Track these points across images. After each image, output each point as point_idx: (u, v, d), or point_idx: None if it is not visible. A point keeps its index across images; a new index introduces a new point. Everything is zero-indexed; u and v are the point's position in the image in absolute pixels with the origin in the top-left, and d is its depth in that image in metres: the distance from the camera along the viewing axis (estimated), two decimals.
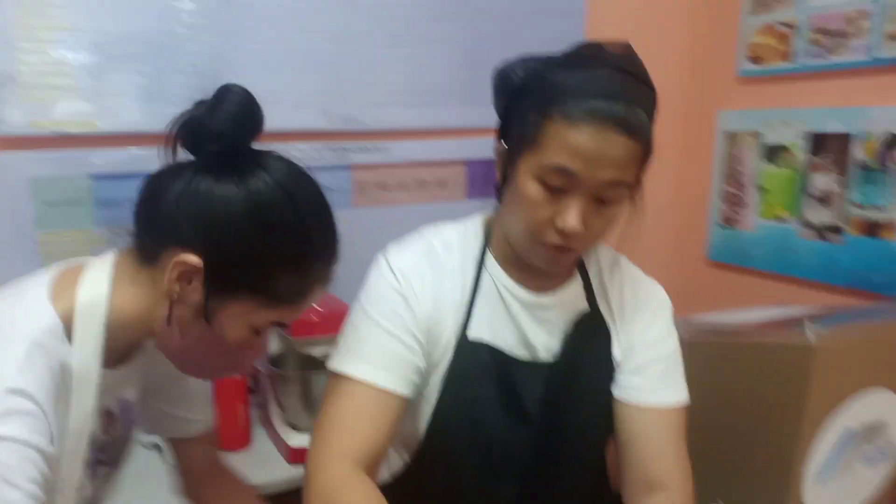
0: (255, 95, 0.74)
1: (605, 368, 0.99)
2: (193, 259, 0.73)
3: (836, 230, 1.88)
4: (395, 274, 0.92)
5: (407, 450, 0.99)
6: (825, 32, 1.84)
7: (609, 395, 0.98)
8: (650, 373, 0.98)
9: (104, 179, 1.49)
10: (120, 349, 0.79)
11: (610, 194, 0.84)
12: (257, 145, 0.77)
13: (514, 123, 0.89)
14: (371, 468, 0.86)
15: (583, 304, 0.99)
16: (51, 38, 1.39)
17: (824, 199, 1.90)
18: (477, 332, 0.93)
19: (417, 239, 0.99)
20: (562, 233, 0.85)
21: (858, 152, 1.80)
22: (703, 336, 1.44)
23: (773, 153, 1.99)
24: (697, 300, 2.07)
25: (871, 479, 1.57)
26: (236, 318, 0.76)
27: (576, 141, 0.81)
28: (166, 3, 1.50)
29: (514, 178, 0.88)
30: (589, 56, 0.85)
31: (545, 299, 0.96)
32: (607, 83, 0.82)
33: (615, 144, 0.81)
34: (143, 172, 0.78)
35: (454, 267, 0.95)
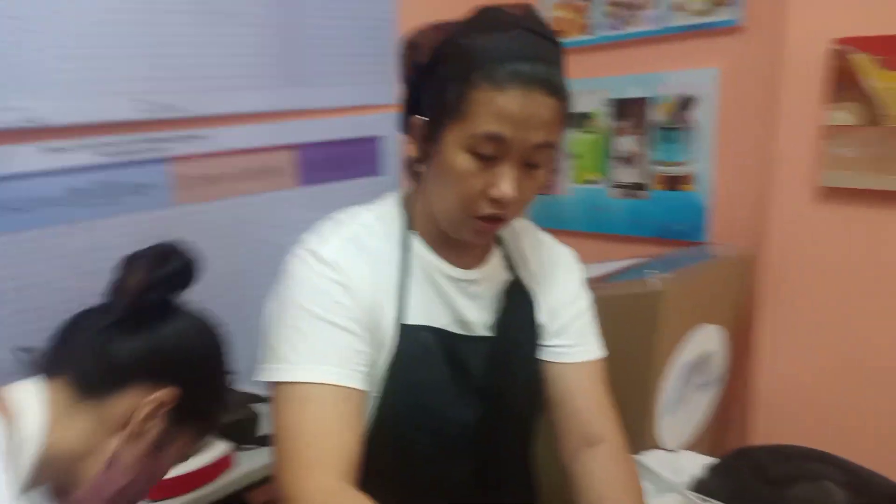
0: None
1: (536, 336, 1.00)
2: (169, 394, 0.78)
3: (641, 187, 2.07)
4: (326, 264, 0.87)
5: None
6: (619, 4, 2.00)
7: (542, 360, 1.00)
8: (573, 330, 1.01)
9: None
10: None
11: (538, 157, 0.84)
12: None
13: (431, 95, 0.86)
14: (350, 475, 0.81)
15: (505, 275, 0.99)
16: None
17: (629, 160, 2.08)
18: (414, 316, 0.91)
19: (335, 226, 0.93)
20: (496, 202, 0.84)
21: (656, 115, 1.99)
22: None
23: (581, 121, 2.14)
24: None
25: (702, 404, 1.77)
26: (180, 448, 0.84)
27: (505, 105, 0.79)
28: None
29: (438, 153, 0.86)
30: (498, 19, 0.83)
31: (474, 274, 0.95)
32: (526, 45, 0.82)
33: (542, 106, 0.81)
34: None
35: (381, 251, 0.91)
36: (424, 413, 0.90)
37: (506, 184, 0.82)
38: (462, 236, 0.90)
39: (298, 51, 1.78)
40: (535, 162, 0.84)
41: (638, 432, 1.55)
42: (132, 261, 0.81)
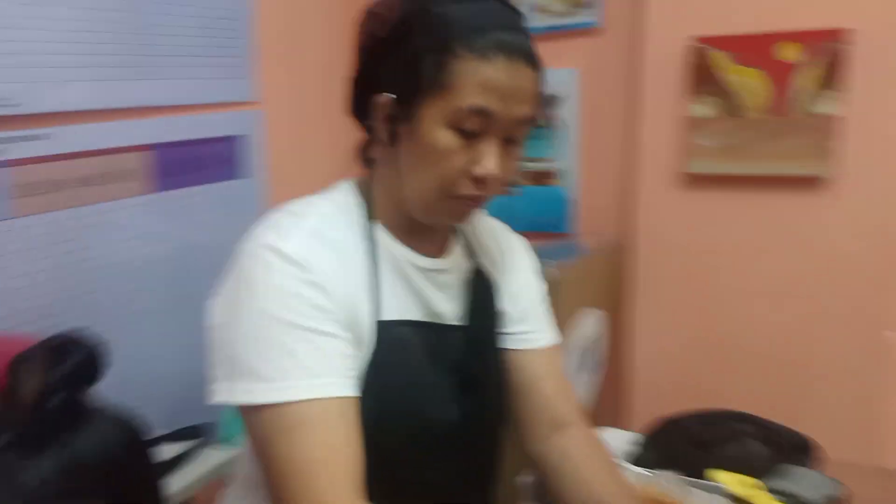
0: None
1: (501, 324, 0.97)
2: None
3: (513, 183, 2.10)
4: (294, 263, 0.76)
5: None
6: None
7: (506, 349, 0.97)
8: (534, 316, 0.99)
9: None
10: None
11: (519, 133, 0.80)
12: None
13: (400, 69, 0.79)
14: (361, 487, 0.74)
15: (467, 263, 0.95)
16: None
17: None
18: (389, 311, 0.83)
19: (293, 218, 0.82)
20: (479, 181, 0.79)
21: None
22: None
23: None
24: None
25: (592, 383, 1.82)
26: None
27: (492, 77, 0.75)
28: None
29: (413, 131, 0.79)
30: None
31: (441, 263, 0.90)
32: (503, 14, 0.78)
33: (526, 77, 0.77)
34: None
35: (346, 243, 0.82)
36: (408, 414, 0.83)
37: (490, 161, 0.77)
38: (438, 220, 0.85)
39: (146, 40, 1.58)
40: (515, 138, 0.80)
41: None
42: (20, 363, 0.67)
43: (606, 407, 1.97)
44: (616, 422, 1.87)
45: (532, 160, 2.06)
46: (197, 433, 1.48)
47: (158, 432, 1.33)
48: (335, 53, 1.86)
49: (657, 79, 1.79)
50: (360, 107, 0.86)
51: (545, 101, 0.85)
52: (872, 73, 1.58)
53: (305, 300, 0.75)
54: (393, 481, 0.81)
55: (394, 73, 0.79)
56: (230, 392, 0.75)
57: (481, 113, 0.75)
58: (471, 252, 0.95)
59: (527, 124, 0.79)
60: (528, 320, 0.99)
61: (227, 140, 1.82)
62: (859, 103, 1.59)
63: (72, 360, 0.68)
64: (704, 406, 1.38)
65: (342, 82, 0.88)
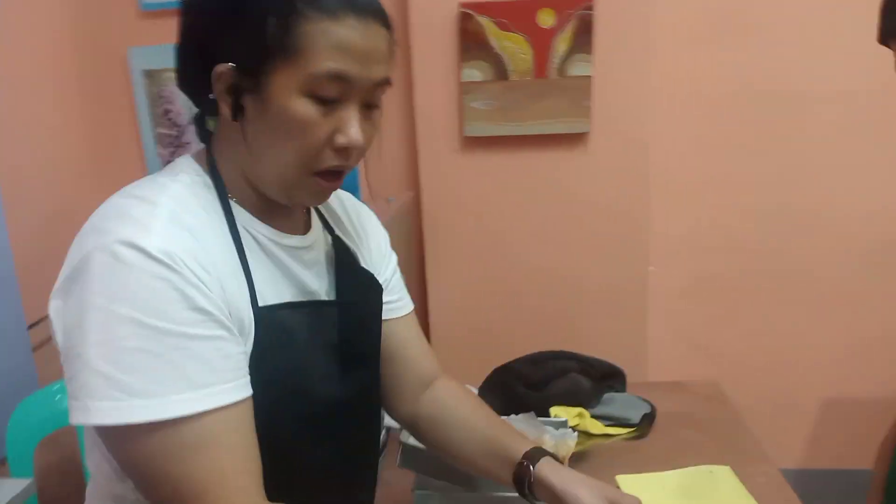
0: None
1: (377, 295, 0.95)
2: None
3: None
4: (160, 261, 0.67)
5: None
6: None
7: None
8: (395, 285, 0.98)
9: None
10: None
11: (376, 97, 0.76)
12: None
13: (241, 35, 0.71)
14: (262, 484, 0.71)
15: (327, 237, 0.90)
16: None
17: None
18: (263, 296, 0.76)
19: (145, 207, 0.71)
20: (342, 151, 0.74)
21: None
22: None
23: None
24: None
25: None
26: None
27: (346, 38, 0.70)
28: None
29: (263, 103, 0.71)
30: None
31: (306, 239, 0.84)
32: None
33: (379, 37, 0.73)
34: None
35: (206, 228, 0.73)
36: (297, 398, 0.78)
37: (354, 128, 0.73)
38: (299, 199, 0.79)
39: None
40: (374, 102, 0.76)
41: None
42: None
43: None
44: None
45: None
46: None
47: None
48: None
49: (429, 45, 1.82)
50: (193, 78, 0.77)
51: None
52: (611, 36, 1.77)
53: (180, 304, 0.67)
54: (284, 465, 0.77)
55: (233, 40, 0.71)
56: (99, 411, 0.64)
57: (339, 78, 0.70)
58: (326, 224, 0.91)
59: (384, 87, 0.76)
60: (392, 290, 0.97)
61: None
62: (603, 64, 1.79)
63: None
64: (498, 350, 1.47)
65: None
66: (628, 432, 1.30)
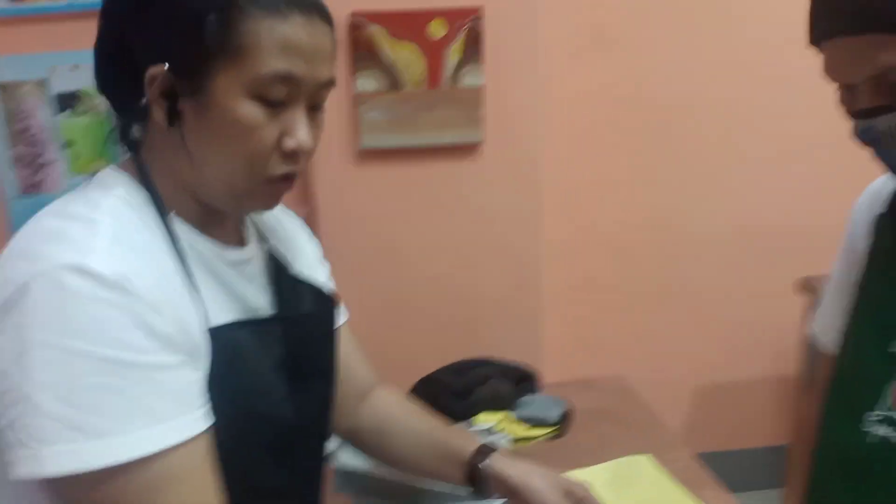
0: None
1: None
2: None
3: None
4: (115, 287, 0.61)
5: None
6: None
7: None
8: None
9: None
10: None
11: (321, 98, 0.73)
12: None
13: (176, 35, 0.66)
14: None
15: (262, 248, 0.86)
16: None
17: None
18: (214, 316, 0.71)
19: (85, 227, 0.64)
20: (291, 156, 0.71)
21: None
22: None
23: (71, 102, 1.79)
24: None
25: None
26: None
27: (292, 36, 0.67)
28: None
29: (206, 107, 0.67)
30: None
31: (245, 253, 0.81)
32: None
33: (324, 35, 0.70)
34: None
35: (152, 246, 0.68)
36: (248, 423, 0.73)
37: (302, 131, 0.70)
38: (249, 207, 0.76)
39: None
40: (318, 104, 0.74)
41: None
42: None
43: None
44: None
45: None
46: None
47: None
48: None
49: None
50: (117, 83, 0.72)
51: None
52: (500, 47, 1.82)
53: (138, 331, 0.62)
54: (238, 491, 0.73)
55: (167, 39, 0.67)
56: (54, 457, 0.57)
57: (286, 79, 0.68)
58: (260, 235, 0.87)
59: (329, 87, 0.74)
60: None
61: None
62: (494, 75, 1.83)
63: None
64: (402, 363, 1.46)
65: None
66: (549, 432, 1.32)
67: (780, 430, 2.31)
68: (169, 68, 0.66)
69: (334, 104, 1.80)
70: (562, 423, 1.33)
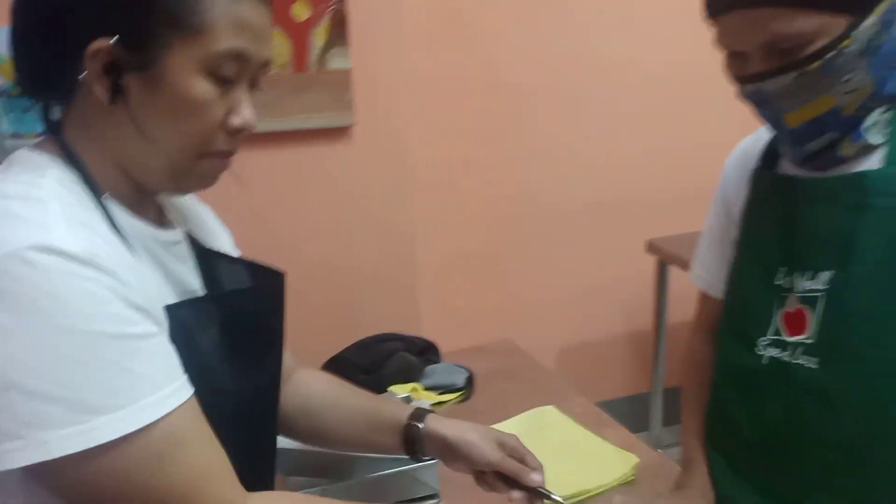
0: None
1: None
2: None
3: None
4: (87, 262, 0.61)
5: None
6: None
7: None
8: None
9: None
10: None
11: (261, 77, 0.74)
12: None
13: (128, 8, 0.65)
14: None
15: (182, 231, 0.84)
16: None
17: None
18: (158, 294, 0.71)
19: (35, 206, 0.63)
20: (235, 133, 0.72)
21: None
22: None
23: None
24: None
25: None
26: None
27: (246, 15, 0.68)
28: None
29: (157, 82, 0.67)
30: None
31: (178, 234, 0.80)
32: None
33: (268, 16, 0.72)
34: None
35: (96, 227, 0.66)
36: (202, 398, 0.73)
37: (248, 110, 0.72)
38: (186, 186, 0.76)
39: None
40: (258, 83, 0.75)
41: None
42: None
43: None
44: None
45: (25, 136, 1.71)
46: None
47: None
48: None
49: None
50: (41, 61, 0.69)
51: None
52: (364, 30, 1.84)
53: (117, 304, 0.62)
54: None
55: (119, 13, 0.65)
56: (61, 442, 0.57)
57: (239, 57, 0.69)
58: (178, 218, 0.86)
59: (268, 68, 0.75)
60: None
61: None
62: (360, 58, 1.85)
63: None
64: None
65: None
66: (457, 396, 1.39)
67: (640, 381, 2.55)
68: (117, 42, 0.64)
69: None
70: (467, 388, 1.40)
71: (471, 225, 2.22)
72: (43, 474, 0.59)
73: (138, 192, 0.73)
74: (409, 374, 1.36)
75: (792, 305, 0.88)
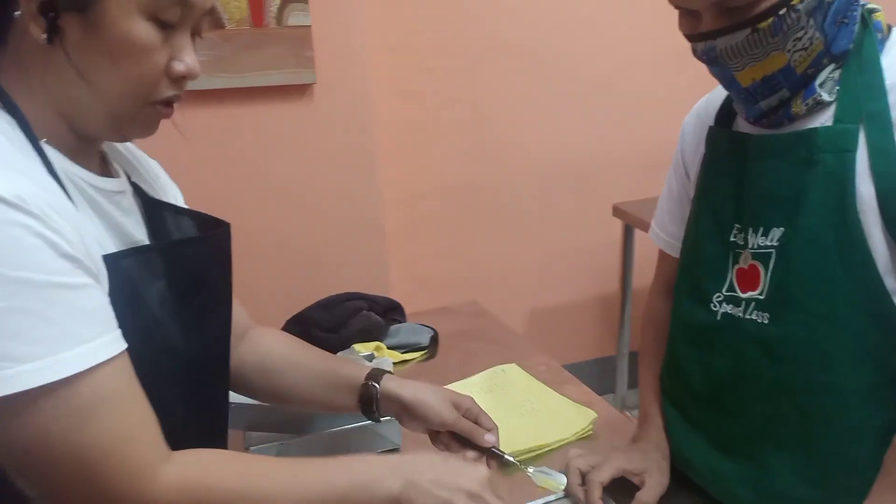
0: None
1: None
2: None
3: None
4: (16, 206, 0.59)
5: None
6: None
7: None
8: None
9: None
10: None
11: (203, 26, 0.73)
12: None
13: None
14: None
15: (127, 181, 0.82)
16: None
17: None
18: (100, 244, 0.70)
19: None
20: (178, 80, 0.71)
21: None
22: None
23: None
24: None
25: None
26: None
27: None
28: None
29: (96, 24, 0.65)
30: None
31: (122, 183, 0.78)
32: None
33: None
34: None
35: (32, 172, 0.64)
36: (145, 355, 0.72)
37: (191, 56, 0.71)
38: (129, 133, 0.74)
39: None
40: (200, 31, 0.74)
41: None
42: None
43: None
44: None
45: None
46: None
47: None
48: None
49: None
50: None
51: None
52: None
53: (46, 252, 0.60)
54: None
55: None
56: None
57: (181, 1, 0.68)
58: (124, 169, 0.84)
59: (211, 15, 0.74)
60: None
61: None
62: (321, 14, 1.80)
63: None
64: (263, 311, 1.46)
65: None
66: (421, 355, 1.40)
67: (607, 344, 2.59)
68: None
69: None
70: (431, 346, 1.41)
71: (434, 188, 2.21)
72: None
73: (79, 140, 0.71)
74: (372, 334, 1.36)
75: (745, 262, 0.89)
